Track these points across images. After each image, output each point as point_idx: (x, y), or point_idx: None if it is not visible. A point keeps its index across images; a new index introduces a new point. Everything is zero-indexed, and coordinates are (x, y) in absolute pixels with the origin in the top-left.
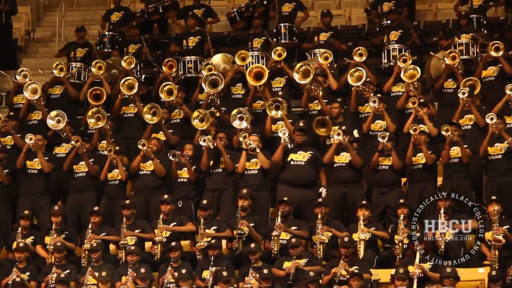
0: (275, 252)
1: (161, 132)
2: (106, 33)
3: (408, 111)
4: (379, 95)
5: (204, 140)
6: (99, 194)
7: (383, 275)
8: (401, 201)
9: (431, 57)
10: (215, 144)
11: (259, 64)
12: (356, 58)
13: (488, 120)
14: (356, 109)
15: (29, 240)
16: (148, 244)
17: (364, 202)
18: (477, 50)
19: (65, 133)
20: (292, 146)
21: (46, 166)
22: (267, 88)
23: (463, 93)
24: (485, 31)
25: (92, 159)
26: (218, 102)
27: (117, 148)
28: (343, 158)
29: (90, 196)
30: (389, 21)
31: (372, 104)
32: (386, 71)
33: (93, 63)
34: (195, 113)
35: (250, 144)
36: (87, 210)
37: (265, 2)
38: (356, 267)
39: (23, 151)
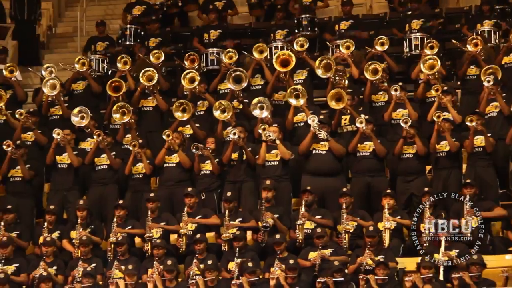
0: (300, 241)
1: (187, 126)
2: (128, 26)
3: (429, 100)
4: (400, 83)
5: (234, 134)
6: (121, 187)
7: (409, 263)
8: (426, 189)
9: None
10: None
11: (286, 51)
12: (378, 48)
13: None
14: (370, 99)
15: (55, 234)
16: (173, 237)
17: (388, 191)
18: (499, 37)
19: (89, 128)
20: (323, 133)
21: (75, 160)
22: (291, 78)
23: (488, 81)
24: (509, 19)
25: (114, 153)
26: (242, 95)
27: (140, 141)
28: (367, 147)
29: (112, 189)
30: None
31: (394, 92)
32: (408, 60)
33: (118, 58)
34: (217, 104)
35: (270, 136)
36: (109, 203)
37: None
38: (381, 256)
39: (52, 146)
